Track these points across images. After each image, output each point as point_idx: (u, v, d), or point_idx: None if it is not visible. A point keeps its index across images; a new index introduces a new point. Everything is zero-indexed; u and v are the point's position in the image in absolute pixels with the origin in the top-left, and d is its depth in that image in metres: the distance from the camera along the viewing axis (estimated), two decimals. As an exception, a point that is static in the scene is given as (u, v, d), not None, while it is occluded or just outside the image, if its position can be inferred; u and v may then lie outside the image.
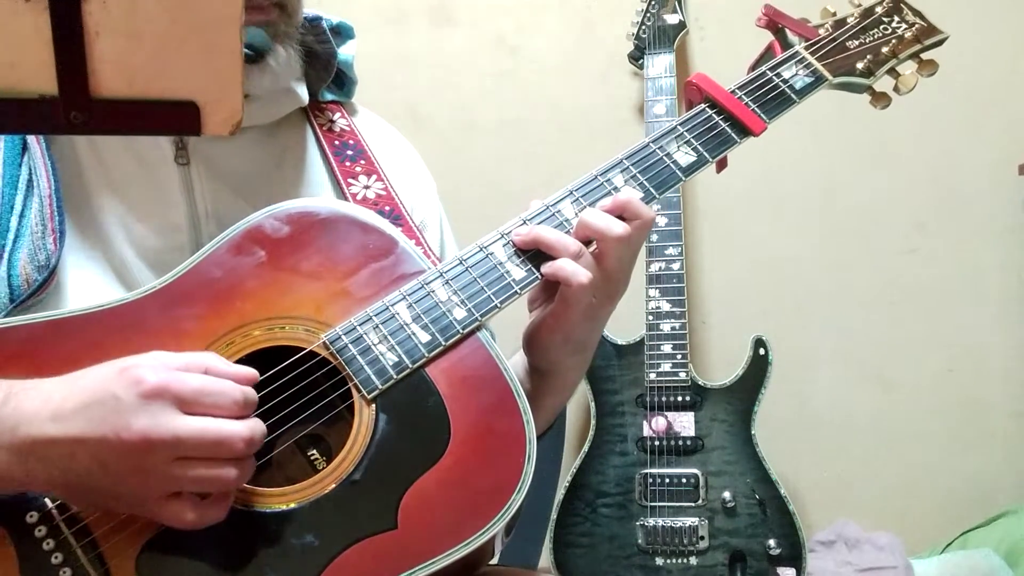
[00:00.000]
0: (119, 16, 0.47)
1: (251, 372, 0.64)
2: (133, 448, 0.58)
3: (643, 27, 1.63)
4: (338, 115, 0.92)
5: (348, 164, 0.88)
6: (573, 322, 0.75)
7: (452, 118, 1.74)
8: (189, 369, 0.61)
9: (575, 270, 0.72)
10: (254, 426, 0.61)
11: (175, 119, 0.51)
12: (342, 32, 0.92)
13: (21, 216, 0.74)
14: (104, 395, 0.59)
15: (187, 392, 0.60)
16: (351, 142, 0.90)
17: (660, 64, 1.60)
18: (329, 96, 0.92)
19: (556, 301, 0.75)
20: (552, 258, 0.73)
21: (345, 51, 0.92)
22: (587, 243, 0.74)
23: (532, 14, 1.76)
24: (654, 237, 1.54)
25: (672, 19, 1.62)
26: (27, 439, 0.60)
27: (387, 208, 0.86)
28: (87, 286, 0.75)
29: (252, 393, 0.63)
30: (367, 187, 0.87)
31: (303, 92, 0.88)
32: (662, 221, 1.54)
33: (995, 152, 1.68)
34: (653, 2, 1.63)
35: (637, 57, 1.66)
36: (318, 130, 0.89)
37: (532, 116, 1.75)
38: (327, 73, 0.90)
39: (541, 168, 1.71)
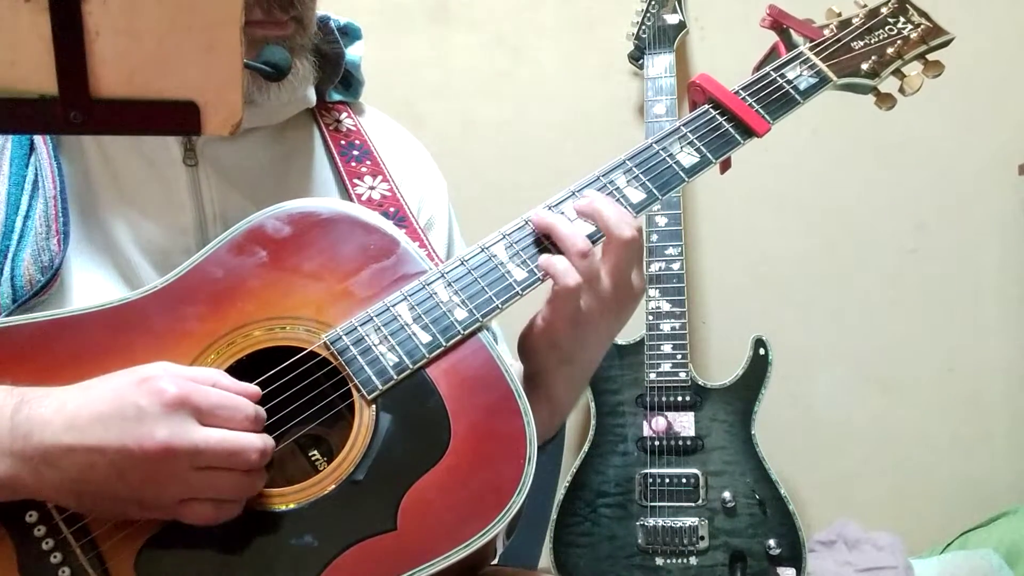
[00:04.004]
0: (119, 16, 0.47)
1: (255, 389, 0.65)
2: (154, 457, 0.59)
3: (643, 27, 1.63)
4: (344, 115, 0.92)
5: (354, 164, 0.88)
6: (558, 328, 0.74)
7: (452, 118, 1.74)
8: (199, 381, 0.63)
9: (566, 270, 0.71)
10: (266, 439, 0.63)
11: (175, 119, 0.51)
12: (349, 33, 0.91)
13: (26, 217, 0.74)
14: (125, 405, 0.60)
15: (205, 404, 0.61)
16: (357, 142, 0.90)
17: (660, 64, 1.60)
18: (336, 96, 0.92)
19: (545, 302, 0.75)
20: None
21: (353, 52, 0.92)
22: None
23: (532, 14, 1.76)
24: (654, 237, 1.54)
25: (672, 19, 1.62)
26: (40, 447, 0.60)
27: (392, 209, 0.85)
28: (91, 287, 0.75)
29: (262, 411, 0.64)
30: (372, 188, 0.87)
31: (311, 94, 0.88)
32: (662, 221, 1.54)
33: (995, 152, 1.68)
34: (653, 2, 1.63)
35: (637, 57, 1.66)
36: (324, 130, 0.89)
37: (532, 116, 1.74)
38: (335, 74, 0.90)
39: (541, 168, 1.71)
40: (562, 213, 0.75)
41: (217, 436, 0.61)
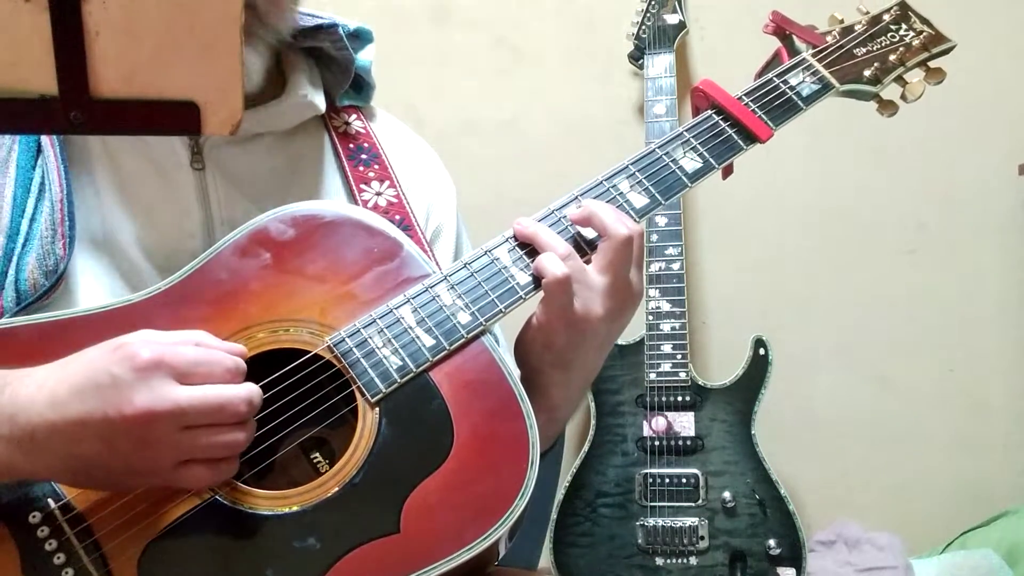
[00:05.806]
0: (119, 16, 0.47)
1: (240, 347, 0.65)
2: (137, 422, 0.58)
3: (643, 27, 1.63)
4: (354, 117, 0.91)
5: (361, 169, 0.87)
6: (553, 326, 0.74)
7: (452, 118, 1.74)
8: (178, 343, 0.62)
9: (552, 262, 0.71)
10: (252, 387, 0.62)
11: (175, 119, 0.51)
12: (360, 36, 0.91)
13: (32, 220, 0.74)
14: (99, 374, 0.59)
15: (182, 363, 0.60)
16: (366, 145, 0.90)
17: (660, 64, 1.59)
18: (347, 101, 0.92)
19: (539, 301, 0.74)
20: None
21: (364, 56, 0.91)
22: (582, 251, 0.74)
23: (532, 14, 1.75)
24: (654, 237, 1.54)
25: (672, 19, 1.62)
26: (27, 427, 0.60)
27: (397, 217, 0.85)
28: (96, 291, 0.75)
29: (241, 362, 0.63)
30: (379, 194, 0.87)
31: (320, 101, 0.87)
32: (662, 221, 1.54)
33: (995, 152, 1.68)
34: (653, 2, 1.63)
35: (637, 57, 1.66)
36: (333, 134, 0.89)
37: (532, 116, 1.74)
38: (345, 79, 0.90)
39: (541, 168, 1.70)
40: (564, 216, 0.76)
41: (198, 393, 0.60)
